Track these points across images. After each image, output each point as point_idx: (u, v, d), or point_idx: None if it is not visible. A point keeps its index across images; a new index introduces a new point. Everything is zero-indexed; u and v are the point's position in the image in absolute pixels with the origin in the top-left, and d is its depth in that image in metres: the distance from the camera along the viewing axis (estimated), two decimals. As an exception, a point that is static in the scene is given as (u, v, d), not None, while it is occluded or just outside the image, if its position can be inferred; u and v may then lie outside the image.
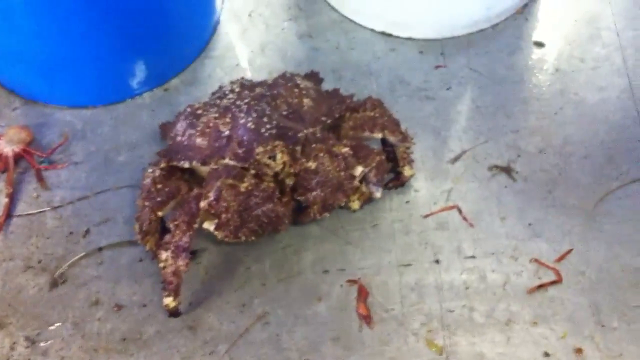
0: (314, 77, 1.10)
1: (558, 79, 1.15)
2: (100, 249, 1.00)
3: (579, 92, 1.13)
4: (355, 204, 0.96)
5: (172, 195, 0.94)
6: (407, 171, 1.02)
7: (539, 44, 1.20)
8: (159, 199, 0.94)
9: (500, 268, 0.95)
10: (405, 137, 1.01)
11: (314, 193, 0.91)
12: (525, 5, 1.25)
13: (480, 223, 1.00)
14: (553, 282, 0.94)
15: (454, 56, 1.19)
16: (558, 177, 1.03)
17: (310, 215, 0.92)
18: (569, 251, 0.96)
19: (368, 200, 0.98)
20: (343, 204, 0.95)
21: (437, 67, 1.18)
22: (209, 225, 0.90)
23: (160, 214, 0.94)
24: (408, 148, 1.02)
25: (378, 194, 0.97)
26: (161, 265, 0.89)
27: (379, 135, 0.99)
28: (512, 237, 0.98)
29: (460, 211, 1.01)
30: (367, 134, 0.98)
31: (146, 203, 0.94)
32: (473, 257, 0.97)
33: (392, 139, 0.99)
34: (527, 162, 1.05)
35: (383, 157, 0.96)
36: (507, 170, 1.05)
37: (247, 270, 0.97)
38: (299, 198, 0.91)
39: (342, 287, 0.95)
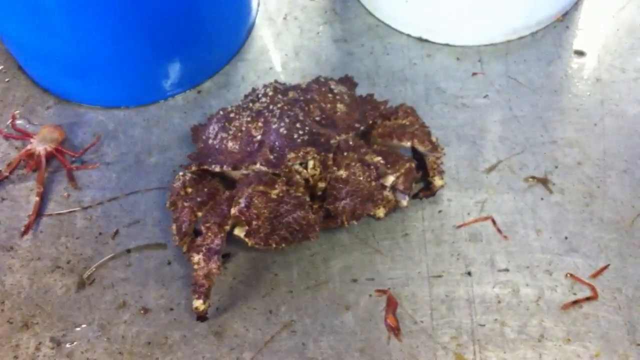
0: (348, 81, 1.09)
1: (598, 89, 1.12)
2: (128, 251, 1.00)
3: (620, 104, 1.10)
4: (381, 212, 0.94)
5: (212, 195, 0.94)
6: (437, 181, 0.99)
7: (580, 53, 1.17)
8: (199, 199, 0.93)
9: (534, 282, 0.93)
10: (435, 147, 0.98)
11: (344, 202, 0.89)
12: (566, 13, 1.23)
13: (514, 235, 0.98)
14: (588, 299, 0.91)
15: (491, 64, 1.17)
16: (596, 190, 1.01)
17: (338, 223, 0.91)
18: (606, 267, 0.94)
19: (394, 208, 0.96)
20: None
21: (474, 74, 1.16)
22: (239, 232, 0.89)
23: (199, 214, 0.93)
24: (438, 158, 1.00)
25: (405, 202, 0.95)
26: (193, 267, 0.89)
27: (408, 144, 0.97)
28: (547, 251, 0.96)
29: (494, 222, 0.99)
30: (395, 142, 0.97)
31: (185, 204, 0.93)
32: (506, 270, 0.94)
33: (421, 148, 0.97)
34: (564, 174, 1.03)
35: (412, 164, 0.94)
36: (543, 181, 1.02)
37: (274, 277, 0.96)
38: (328, 207, 0.90)
39: (371, 297, 0.93)
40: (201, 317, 0.91)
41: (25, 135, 1.11)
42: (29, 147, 1.09)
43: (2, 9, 1.05)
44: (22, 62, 1.21)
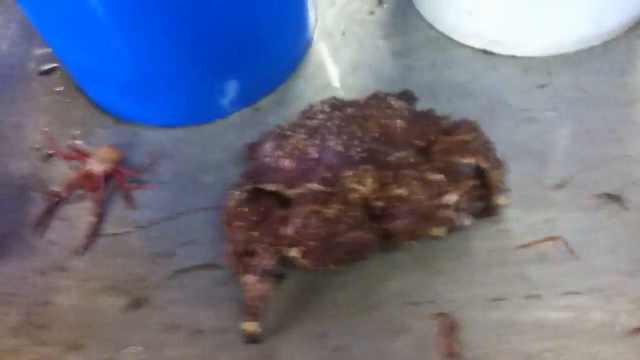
0: (407, 96, 1.05)
1: (674, 100, 1.05)
2: (182, 271, 0.98)
3: (699, 115, 1.02)
4: (440, 231, 0.89)
5: (266, 215, 0.91)
6: (500, 200, 0.94)
7: (655, 62, 1.11)
8: (253, 219, 0.90)
9: (606, 306, 0.86)
10: (499, 164, 0.93)
11: (402, 221, 0.85)
12: (639, 22, 1.16)
13: (585, 256, 0.91)
14: (665, 324, 0.84)
15: (560, 75, 1.11)
16: (674, 207, 0.94)
17: (395, 243, 0.87)
18: (685, 290, 0.86)
19: (455, 227, 0.91)
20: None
21: (542, 86, 1.10)
22: (295, 253, 0.86)
23: (254, 234, 0.90)
24: (502, 175, 0.94)
25: (467, 221, 0.90)
26: (245, 288, 0.86)
27: (470, 161, 0.92)
28: (620, 273, 0.89)
29: (564, 242, 0.93)
30: (457, 159, 0.92)
31: (239, 223, 0.91)
32: (577, 292, 0.88)
33: (484, 165, 0.92)
34: (640, 190, 0.96)
35: (475, 182, 0.89)
36: (617, 199, 0.96)
37: (328, 298, 0.92)
38: (386, 226, 0.86)
39: (429, 321, 0.88)
40: (252, 339, 0.88)
41: (83, 156, 1.11)
42: (87, 167, 1.09)
43: (60, 31, 1.06)
44: (80, 83, 1.22)
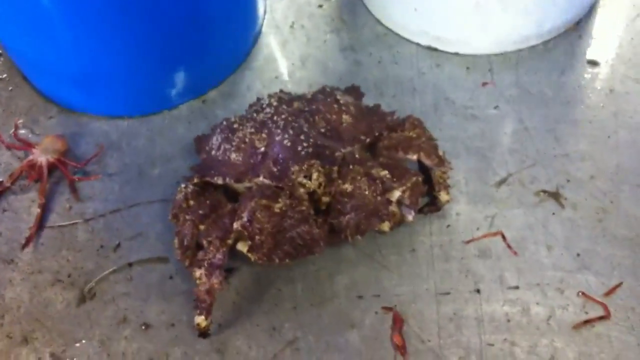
0: (354, 91, 1.06)
1: (612, 100, 1.09)
2: (130, 265, 0.98)
3: (634, 116, 1.07)
4: (386, 226, 0.91)
5: (215, 208, 0.92)
6: (443, 196, 0.96)
7: (593, 63, 1.15)
8: (201, 212, 0.91)
9: (545, 301, 0.90)
10: (442, 161, 0.95)
11: (348, 217, 0.87)
12: (579, 22, 1.20)
13: (525, 252, 0.95)
14: (601, 318, 0.88)
15: (502, 73, 1.14)
16: (609, 205, 0.98)
17: (342, 238, 0.88)
18: (619, 285, 0.91)
19: (399, 223, 0.94)
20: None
21: (484, 84, 1.13)
22: (242, 247, 0.87)
23: (202, 227, 0.91)
24: (445, 172, 0.97)
25: (410, 217, 0.92)
26: (196, 282, 0.87)
27: (414, 157, 0.94)
28: (558, 268, 0.93)
29: (504, 238, 0.96)
30: (401, 155, 0.94)
31: (187, 217, 0.91)
32: (516, 287, 0.92)
33: (428, 162, 0.94)
34: (576, 188, 1.00)
35: (419, 178, 0.92)
36: (555, 196, 1.00)
37: (278, 293, 0.94)
38: (331, 221, 0.88)
39: (377, 315, 0.91)
40: (203, 333, 0.89)
41: (27, 146, 1.09)
42: (31, 157, 1.07)
43: (4, 19, 1.03)
44: (25, 72, 1.19)
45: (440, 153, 0.96)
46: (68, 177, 1.06)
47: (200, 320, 0.87)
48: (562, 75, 1.13)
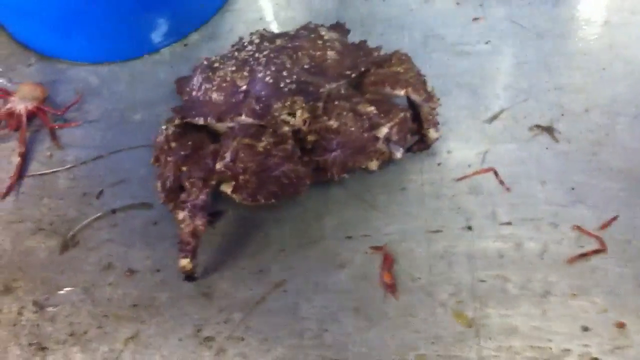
0: (339, 28, 1.03)
1: (606, 32, 1.06)
2: (113, 211, 0.96)
3: (629, 47, 1.04)
4: (374, 165, 0.89)
5: (197, 149, 0.89)
6: (432, 134, 0.94)
7: (587, -5, 1.11)
8: (183, 153, 0.88)
9: (538, 236, 0.88)
10: (430, 97, 0.93)
11: (334, 154, 0.85)
12: (573, -47, 1.16)
13: (517, 187, 0.92)
14: (596, 251, 0.86)
15: (493, 8, 1.11)
16: (604, 138, 0.95)
17: (328, 176, 0.86)
18: (614, 218, 0.88)
19: (387, 160, 0.91)
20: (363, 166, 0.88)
21: (475, 19, 1.10)
22: (226, 188, 0.85)
23: (184, 169, 0.88)
24: (434, 109, 0.94)
25: (399, 154, 0.90)
26: (179, 225, 0.84)
27: (402, 93, 0.91)
28: (552, 203, 0.90)
29: (496, 174, 0.94)
30: (388, 90, 0.91)
31: (169, 158, 0.89)
32: (509, 223, 0.89)
33: (416, 97, 0.91)
34: (571, 121, 0.97)
35: (407, 114, 0.89)
36: (549, 130, 0.97)
37: (265, 235, 0.91)
38: (317, 159, 0.85)
39: (366, 254, 0.88)
40: (189, 276, 0.87)
41: (5, 94, 1.07)
42: (9, 105, 1.05)
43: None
44: (1, 19, 1.16)
45: (429, 88, 0.93)
46: (48, 125, 1.04)
47: (185, 263, 0.85)
48: (555, 8, 1.10)
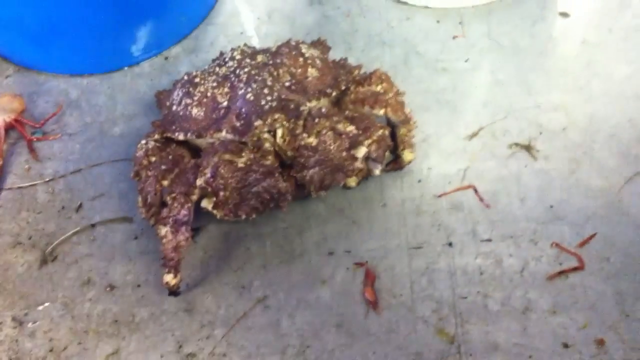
0: (321, 45, 1.04)
1: (584, 50, 1.07)
2: (93, 225, 0.95)
3: (607, 65, 1.06)
4: (352, 181, 0.90)
5: (177, 162, 0.89)
6: (407, 155, 0.95)
7: (565, 14, 1.13)
8: (163, 168, 0.88)
9: (518, 252, 0.89)
10: (407, 119, 0.94)
11: (312, 171, 0.85)
12: (551, -27, 1.18)
13: (497, 204, 0.93)
14: (575, 269, 0.87)
15: (473, 26, 1.12)
16: (582, 156, 0.97)
17: (306, 193, 0.86)
18: (593, 236, 0.90)
19: (366, 176, 0.92)
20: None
21: (455, 37, 1.11)
22: (207, 204, 0.85)
23: (165, 183, 0.88)
24: (410, 131, 0.95)
25: (377, 171, 0.91)
26: (162, 240, 0.84)
27: (381, 113, 0.92)
28: (531, 220, 0.91)
29: (476, 191, 0.95)
30: (367, 109, 0.92)
31: (149, 173, 0.88)
32: (489, 240, 0.90)
33: (393, 118, 0.92)
34: (549, 139, 0.98)
35: (385, 131, 0.89)
36: (527, 148, 0.98)
37: (247, 251, 0.91)
38: (295, 175, 0.85)
39: (348, 270, 0.89)
40: (172, 292, 0.87)
41: (-18, 106, 1.06)
42: (-14, 117, 1.04)
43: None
44: (-22, 29, 1.15)
45: (407, 110, 0.94)
46: (26, 137, 1.03)
47: (169, 278, 0.85)
48: (533, 27, 1.11)
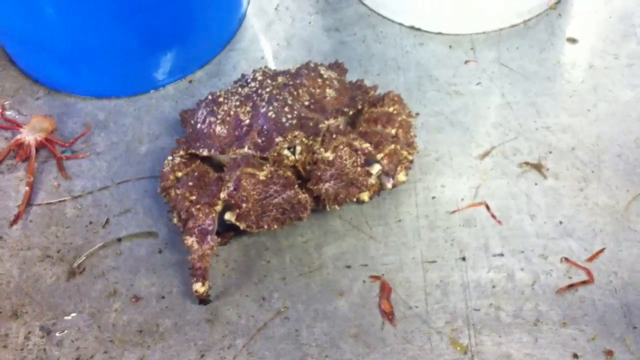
0: (338, 67, 1.08)
1: (591, 75, 1.11)
2: (119, 240, 0.99)
3: (613, 89, 1.09)
4: (365, 196, 0.94)
5: (202, 176, 0.93)
6: (401, 176, 0.97)
7: (572, 40, 1.17)
8: (190, 184, 0.92)
9: (529, 267, 0.92)
10: (411, 143, 0.98)
11: (327, 185, 0.89)
12: (559, 1, 1.22)
13: (508, 221, 0.97)
14: (584, 282, 0.90)
15: (484, 51, 1.16)
16: (590, 175, 1.00)
17: (320, 207, 0.91)
18: (601, 250, 0.93)
19: (378, 191, 0.96)
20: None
21: (467, 62, 1.15)
22: (230, 216, 0.88)
23: (192, 198, 0.92)
24: (411, 154, 0.99)
25: (389, 185, 0.95)
26: (188, 251, 0.89)
27: (393, 132, 0.96)
28: (541, 236, 0.95)
29: (488, 208, 0.98)
30: (380, 128, 0.96)
31: (178, 191, 0.93)
32: (501, 255, 0.93)
33: (402, 139, 0.97)
34: (558, 159, 1.02)
35: (397, 146, 0.93)
36: (537, 167, 1.01)
37: (267, 264, 0.95)
38: (311, 187, 0.89)
39: (365, 283, 0.92)
40: (203, 300, 0.91)
41: (14, 125, 1.10)
42: (18, 136, 1.08)
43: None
44: (11, 53, 1.20)
45: (412, 134, 0.99)
46: (56, 156, 1.07)
47: (198, 287, 0.89)
48: (542, 53, 1.15)
